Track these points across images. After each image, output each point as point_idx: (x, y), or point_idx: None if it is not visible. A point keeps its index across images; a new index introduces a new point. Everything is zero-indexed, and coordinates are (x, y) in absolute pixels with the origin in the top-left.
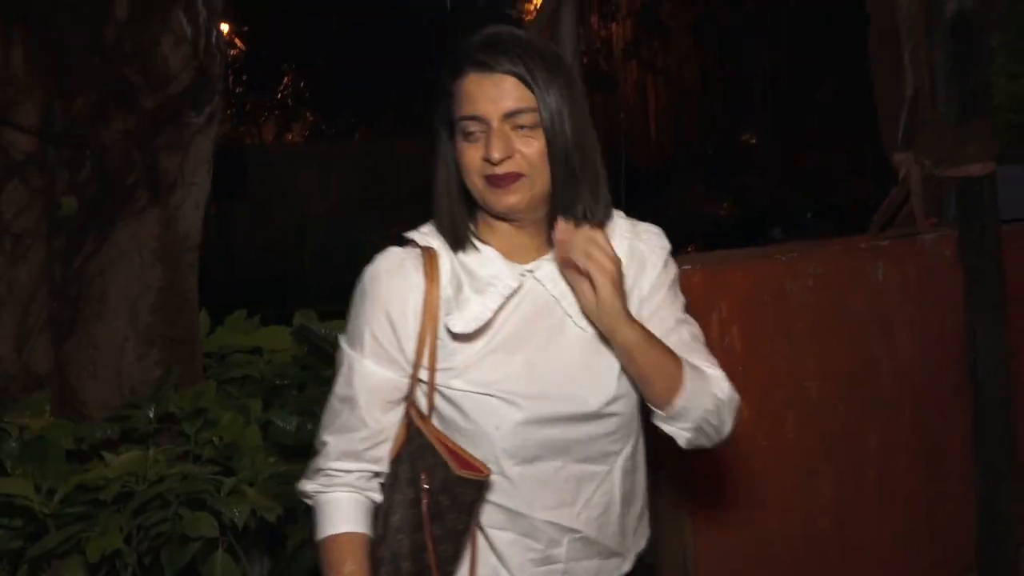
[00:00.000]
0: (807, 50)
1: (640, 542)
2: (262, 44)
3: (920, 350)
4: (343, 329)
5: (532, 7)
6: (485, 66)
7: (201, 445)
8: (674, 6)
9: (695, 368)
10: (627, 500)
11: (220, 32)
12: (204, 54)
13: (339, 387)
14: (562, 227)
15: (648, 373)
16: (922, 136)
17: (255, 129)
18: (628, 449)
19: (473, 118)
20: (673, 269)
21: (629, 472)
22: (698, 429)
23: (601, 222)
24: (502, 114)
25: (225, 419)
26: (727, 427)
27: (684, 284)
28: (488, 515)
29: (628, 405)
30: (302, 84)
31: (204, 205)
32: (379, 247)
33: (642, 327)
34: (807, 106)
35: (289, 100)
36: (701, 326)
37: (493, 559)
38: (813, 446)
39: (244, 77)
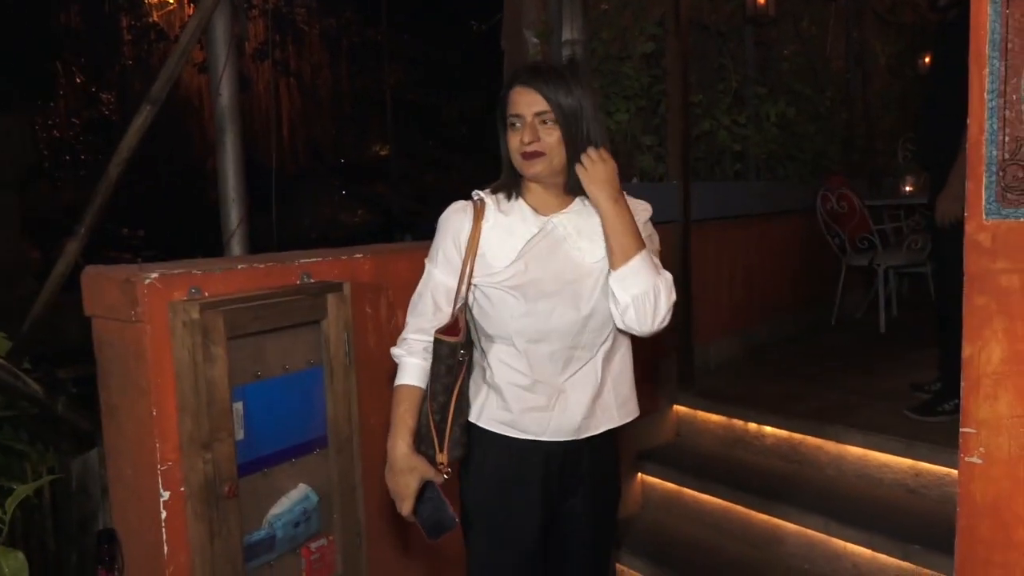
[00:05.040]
0: (437, 73)
1: (622, 417)
2: None
3: None
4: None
5: None
6: (525, 83)
7: None
8: (308, 12)
9: (654, 261)
10: (604, 381)
11: None
12: None
13: (420, 286)
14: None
15: (610, 240)
16: None
17: None
18: (607, 345)
19: (516, 115)
20: (650, 227)
21: (607, 361)
22: (635, 303)
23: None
24: (533, 113)
25: None
26: (659, 316)
27: (355, 271)
28: (504, 374)
29: (601, 315)
30: None
31: None
32: None
33: (621, 208)
34: (434, 124)
35: None
36: (372, 307)
37: (501, 405)
38: None
39: None
